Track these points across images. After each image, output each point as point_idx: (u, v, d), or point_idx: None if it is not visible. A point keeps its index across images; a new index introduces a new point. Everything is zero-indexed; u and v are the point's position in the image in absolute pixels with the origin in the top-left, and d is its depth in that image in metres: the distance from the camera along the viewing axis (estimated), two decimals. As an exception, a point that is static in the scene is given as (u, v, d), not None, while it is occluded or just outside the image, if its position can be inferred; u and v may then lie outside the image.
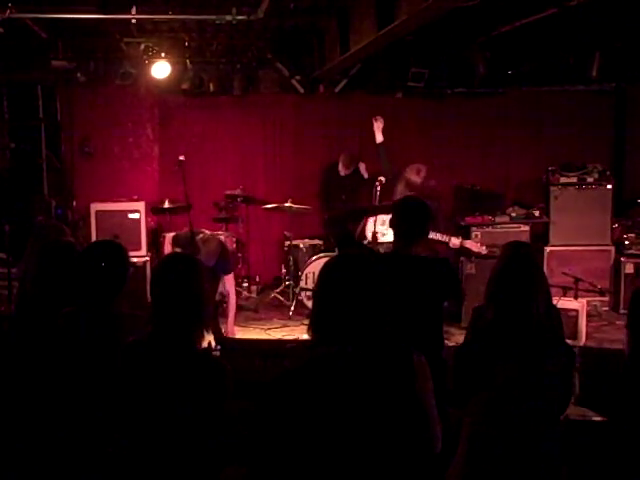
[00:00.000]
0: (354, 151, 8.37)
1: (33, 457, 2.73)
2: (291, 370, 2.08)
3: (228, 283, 6.00)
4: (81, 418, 2.68)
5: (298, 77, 8.78)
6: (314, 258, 7.53)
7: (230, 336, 5.97)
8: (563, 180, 7.99)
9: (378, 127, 7.15)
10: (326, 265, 2.18)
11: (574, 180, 7.98)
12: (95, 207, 7.76)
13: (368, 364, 2.01)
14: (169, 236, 7.41)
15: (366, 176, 8.13)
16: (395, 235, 3.54)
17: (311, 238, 8.26)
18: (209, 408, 2.35)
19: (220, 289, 6.08)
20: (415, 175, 6.60)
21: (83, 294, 2.89)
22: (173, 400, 2.34)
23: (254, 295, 8.36)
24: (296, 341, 6.01)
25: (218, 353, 2.64)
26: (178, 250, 5.69)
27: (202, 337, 2.48)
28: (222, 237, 7.20)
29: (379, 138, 7.16)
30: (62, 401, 2.72)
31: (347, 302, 2.03)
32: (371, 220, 6.91)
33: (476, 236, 7.62)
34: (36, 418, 2.78)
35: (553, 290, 5.97)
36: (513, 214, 7.94)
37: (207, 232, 6.49)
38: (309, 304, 7.42)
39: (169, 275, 2.50)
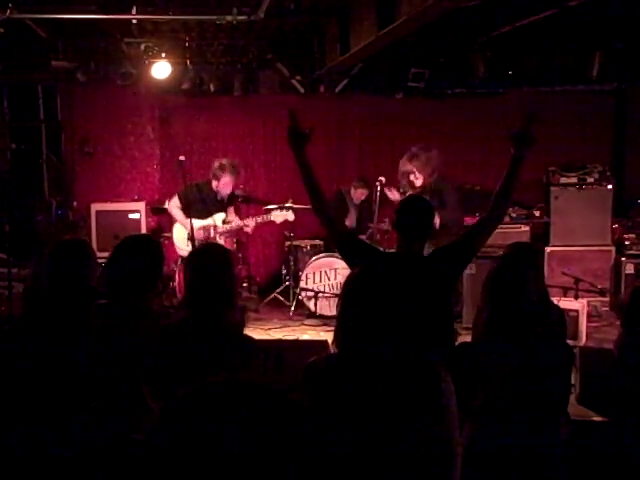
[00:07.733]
0: (360, 173, 8.40)
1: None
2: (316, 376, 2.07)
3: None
4: (102, 408, 2.68)
5: (298, 77, 8.77)
6: (314, 258, 7.52)
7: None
8: (563, 180, 7.98)
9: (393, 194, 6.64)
10: (355, 279, 2.16)
11: (574, 180, 7.97)
12: (95, 207, 7.77)
13: (395, 380, 1.98)
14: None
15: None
16: (399, 235, 3.52)
17: (311, 238, 8.26)
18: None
19: None
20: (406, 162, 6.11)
21: (117, 288, 2.91)
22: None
23: (254, 295, 8.36)
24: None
25: None
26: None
27: (233, 316, 2.65)
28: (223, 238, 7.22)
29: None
30: (84, 392, 2.72)
31: (378, 315, 2.01)
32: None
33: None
34: (54, 410, 2.78)
35: (554, 290, 6.05)
36: (513, 214, 7.93)
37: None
38: (309, 304, 7.42)
39: (209, 263, 2.66)
